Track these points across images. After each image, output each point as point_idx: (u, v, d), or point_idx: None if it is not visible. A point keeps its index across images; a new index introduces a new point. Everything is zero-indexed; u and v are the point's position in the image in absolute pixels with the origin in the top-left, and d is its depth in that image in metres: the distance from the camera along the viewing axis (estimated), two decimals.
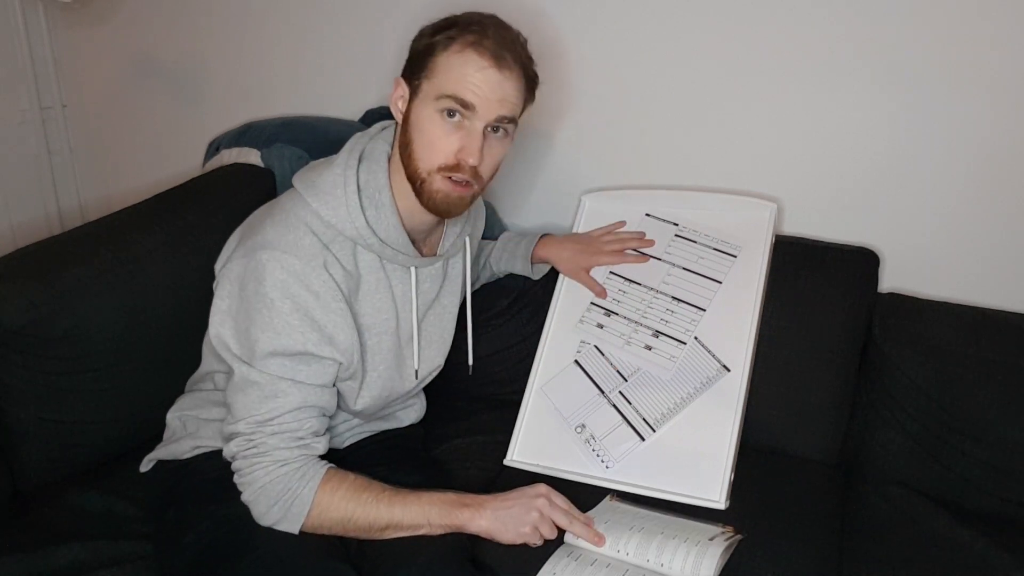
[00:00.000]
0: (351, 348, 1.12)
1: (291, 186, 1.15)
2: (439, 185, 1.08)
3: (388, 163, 1.14)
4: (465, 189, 1.09)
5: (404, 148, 1.10)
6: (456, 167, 1.07)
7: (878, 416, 1.37)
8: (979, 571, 1.16)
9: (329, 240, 1.09)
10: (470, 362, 1.35)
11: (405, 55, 1.12)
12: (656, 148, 1.57)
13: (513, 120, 1.10)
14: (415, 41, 1.11)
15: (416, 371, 1.24)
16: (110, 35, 1.91)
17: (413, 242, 1.16)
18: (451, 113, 1.06)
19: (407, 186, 1.11)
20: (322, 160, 1.19)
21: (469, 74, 1.04)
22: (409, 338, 1.22)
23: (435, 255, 1.22)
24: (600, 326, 1.39)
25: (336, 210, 1.09)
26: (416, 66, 1.09)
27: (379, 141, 1.15)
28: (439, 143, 1.07)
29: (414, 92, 1.09)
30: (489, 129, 1.08)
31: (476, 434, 1.41)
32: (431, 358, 1.28)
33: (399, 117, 1.12)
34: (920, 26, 1.35)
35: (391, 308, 1.17)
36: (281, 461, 1.05)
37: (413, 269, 1.18)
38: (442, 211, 1.11)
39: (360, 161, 1.13)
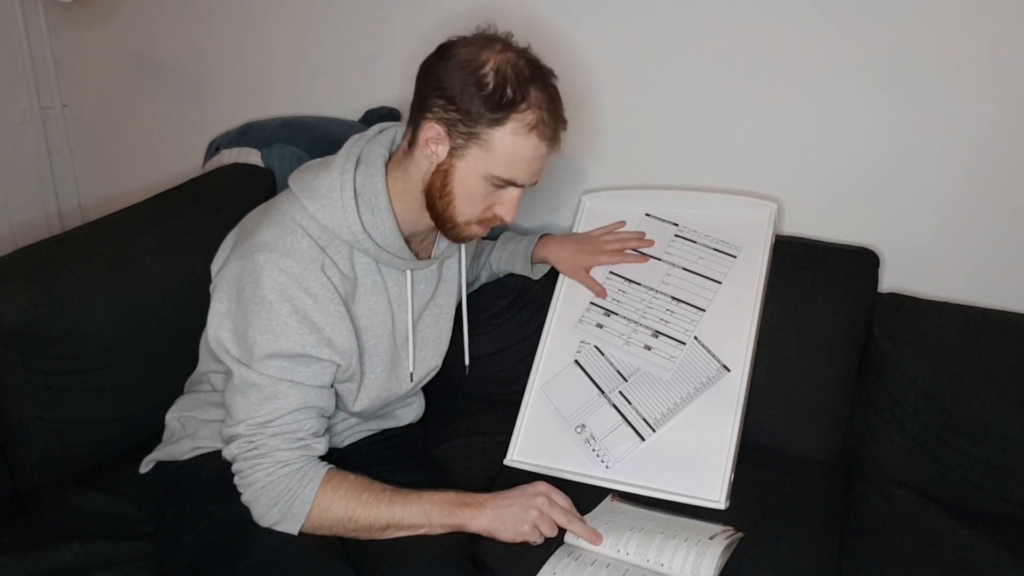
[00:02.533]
0: (349, 350, 1.12)
1: (287, 186, 1.15)
2: (475, 230, 1.14)
3: (385, 167, 1.14)
4: (489, 228, 1.16)
5: (440, 194, 1.10)
6: (492, 219, 1.13)
7: (878, 416, 1.37)
8: (979, 571, 1.16)
9: (326, 243, 1.09)
10: (466, 362, 1.35)
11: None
12: (656, 148, 1.57)
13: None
14: (454, 86, 1.04)
15: (411, 373, 1.24)
16: (110, 35, 1.91)
17: (408, 244, 1.16)
18: (499, 184, 1.09)
19: (406, 194, 1.12)
20: (318, 161, 1.18)
21: (528, 159, 1.07)
22: (405, 340, 1.22)
23: (430, 257, 1.22)
24: (599, 326, 1.39)
25: (333, 214, 1.09)
26: (463, 126, 1.05)
27: (376, 144, 1.15)
28: (481, 202, 1.11)
29: (459, 150, 1.07)
30: None
31: (476, 434, 1.41)
32: (427, 359, 1.28)
33: (432, 160, 1.08)
34: (920, 26, 1.35)
35: (387, 311, 1.17)
36: (282, 462, 1.06)
37: (409, 272, 1.19)
38: (465, 241, 1.19)
39: (357, 165, 1.13)
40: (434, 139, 1.07)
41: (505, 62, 1.05)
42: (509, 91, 1.04)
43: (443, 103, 1.05)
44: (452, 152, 1.07)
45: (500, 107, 1.04)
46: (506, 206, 1.12)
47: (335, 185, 1.10)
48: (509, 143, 1.05)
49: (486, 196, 1.10)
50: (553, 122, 1.08)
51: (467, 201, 1.10)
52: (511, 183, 1.09)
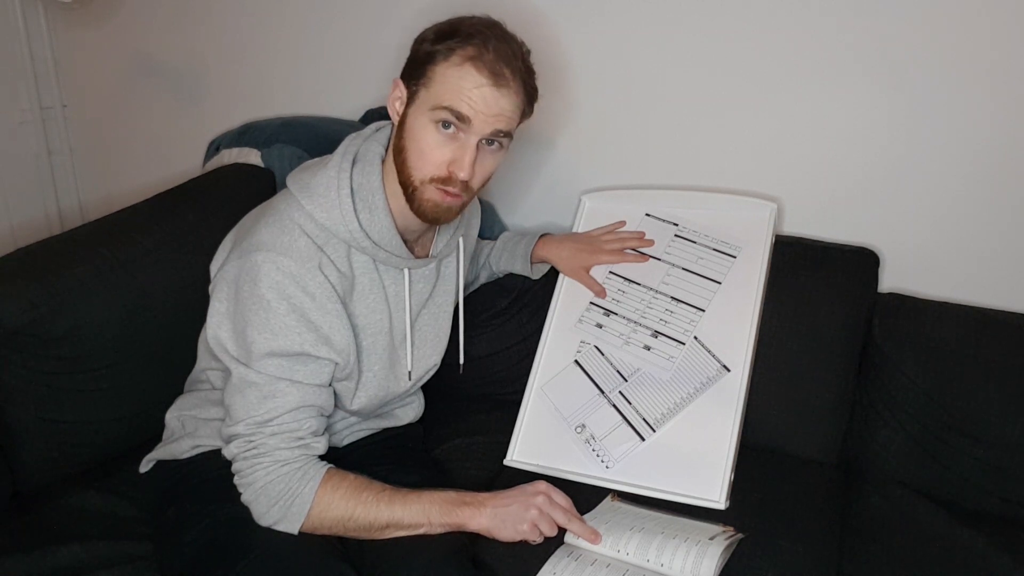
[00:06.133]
0: (347, 349, 1.12)
1: (285, 186, 1.15)
2: (430, 195, 1.09)
3: (382, 165, 1.14)
4: (455, 199, 1.10)
5: (398, 153, 1.10)
6: (447, 179, 1.08)
7: (878, 416, 1.37)
8: (979, 571, 1.16)
9: (323, 242, 1.09)
10: (461, 361, 1.35)
11: (405, 55, 1.12)
12: (656, 148, 1.57)
13: (508, 134, 1.10)
14: (416, 44, 1.10)
15: (409, 372, 1.24)
16: (110, 35, 1.91)
17: (406, 243, 1.16)
18: (446, 124, 1.06)
19: (401, 188, 1.11)
20: (316, 160, 1.18)
21: (466, 89, 1.04)
22: (403, 339, 1.22)
23: (428, 256, 1.22)
24: (599, 326, 1.39)
25: (330, 212, 1.09)
26: (415, 71, 1.08)
27: (373, 143, 1.15)
28: (432, 153, 1.07)
29: (411, 97, 1.09)
30: (483, 142, 1.08)
31: (476, 434, 1.41)
32: (426, 357, 1.28)
33: (395, 119, 1.12)
34: (920, 26, 1.35)
35: (384, 309, 1.17)
36: (281, 461, 1.06)
37: (406, 270, 1.18)
38: (432, 219, 1.12)
39: (354, 163, 1.13)
40: (398, 97, 1.10)
41: (468, 19, 1.08)
42: (457, 32, 1.06)
43: (407, 60, 1.10)
44: (408, 102, 1.09)
45: (443, 39, 1.06)
46: (460, 160, 1.06)
47: (332, 184, 1.10)
48: (448, 74, 1.05)
49: (437, 148, 1.07)
50: (497, 62, 1.05)
51: (417, 153, 1.08)
52: (455, 115, 1.04)
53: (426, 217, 1.11)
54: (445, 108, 1.05)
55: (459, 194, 1.09)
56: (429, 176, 1.08)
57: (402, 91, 1.10)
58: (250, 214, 1.20)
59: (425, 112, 1.06)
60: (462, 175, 1.07)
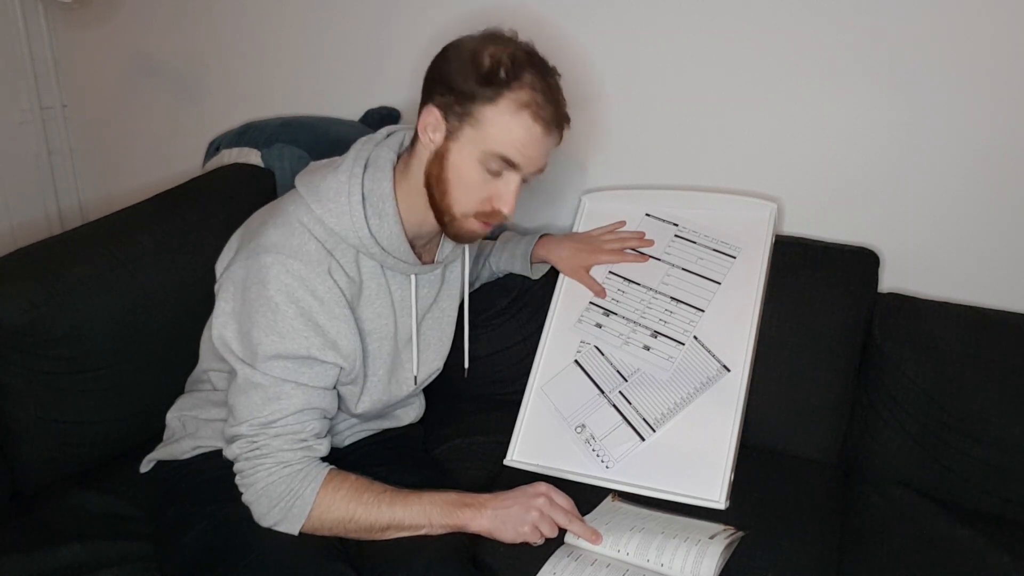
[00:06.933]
0: (354, 354, 1.12)
1: (291, 186, 1.15)
2: (472, 226, 1.11)
3: (393, 171, 1.13)
4: (491, 227, 1.14)
5: (436, 182, 1.09)
6: (491, 213, 1.10)
7: (878, 416, 1.37)
8: (979, 571, 1.16)
9: (332, 246, 1.09)
10: (466, 365, 1.35)
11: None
12: (656, 148, 1.57)
13: (544, 168, 1.12)
14: (452, 71, 1.06)
15: (415, 376, 1.24)
16: (110, 35, 1.91)
17: (412, 247, 1.16)
18: (494, 167, 1.07)
19: (411, 194, 1.12)
20: (325, 162, 1.18)
21: (520, 137, 1.05)
22: (407, 343, 1.22)
23: (433, 260, 1.22)
24: (598, 326, 1.39)
25: (340, 218, 1.09)
26: (457, 107, 1.06)
27: (384, 148, 1.15)
28: (477, 191, 1.09)
29: (453, 132, 1.07)
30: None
31: (476, 434, 1.41)
32: (429, 362, 1.28)
33: (428, 145, 1.09)
34: (920, 26, 1.35)
35: (390, 314, 1.17)
36: (284, 463, 1.06)
37: (413, 276, 1.18)
38: (467, 241, 1.17)
39: (365, 168, 1.12)
40: (432, 124, 1.08)
41: (503, 50, 1.06)
42: (502, 71, 1.04)
43: (442, 89, 1.07)
44: (448, 135, 1.07)
45: (491, 84, 1.04)
46: (504, 198, 1.09)
47: (343, 189, 1.10)
48: (501, 121, 1.05)
49: (482, 185, 1.08)
50: (548, 106, 1.06)
51: (462, 189, 1.08)
52: (506, 163, 1.07)
53: (462, 241, 1.16)
54: (499, 156, 1.06)
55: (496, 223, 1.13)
56: (473, 211, 1.10)
57: (439, 122, 1.08)
58: (256, 214, 1.19)
59: (474, 153, 1.06)
60: (506, 211, 1.09)
